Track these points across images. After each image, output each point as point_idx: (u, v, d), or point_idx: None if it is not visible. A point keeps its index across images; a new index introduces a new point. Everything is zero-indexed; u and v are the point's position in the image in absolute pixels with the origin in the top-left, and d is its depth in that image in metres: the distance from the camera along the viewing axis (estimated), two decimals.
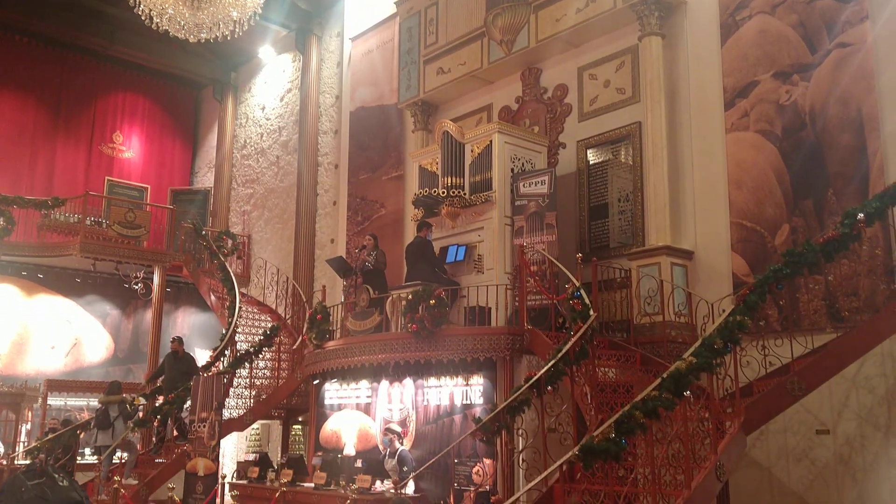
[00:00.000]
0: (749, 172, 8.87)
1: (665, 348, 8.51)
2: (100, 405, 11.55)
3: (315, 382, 10.70)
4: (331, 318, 10.59)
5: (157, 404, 11.48)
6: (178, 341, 12.24)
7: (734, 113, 9.13)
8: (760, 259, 8.50)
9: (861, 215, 6.53)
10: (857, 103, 8.07)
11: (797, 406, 7.18)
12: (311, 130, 15.80)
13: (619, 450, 5.50)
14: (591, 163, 10.59)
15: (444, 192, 10.14)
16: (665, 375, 5.98)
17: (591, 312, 7.42)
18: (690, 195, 9.41)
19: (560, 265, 8.66)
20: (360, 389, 10.04)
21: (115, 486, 8.99)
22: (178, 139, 20.12)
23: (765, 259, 8.36)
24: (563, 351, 6.91)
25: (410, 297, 8.93)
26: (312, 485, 8.64)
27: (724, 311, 6.96)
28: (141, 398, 11.62)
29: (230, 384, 11.35)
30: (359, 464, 8.86)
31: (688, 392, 6.06)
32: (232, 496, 7.49)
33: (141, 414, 11.32)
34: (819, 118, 8.37)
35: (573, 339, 6.98)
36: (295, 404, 12.76)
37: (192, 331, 17.47)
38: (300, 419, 13.54)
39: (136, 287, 15.81)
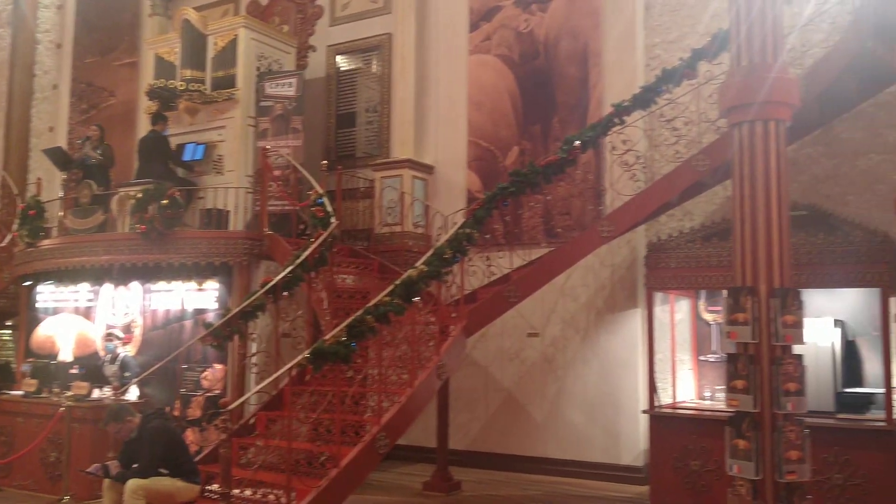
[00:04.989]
0: (488, 94, 9.34)
1: (402, 257, 8.88)
2: None
3: (27, 284, 9.75)
4: (46, 214, 9.65)
5: None
6: None
7: (478, 35, 9.48)
8: (492, 177, 9.07)
9: (577, 142, 7.15)
10: (585, 38, 8.76)
11: (513, 312, 7.88)
12: (29, 1, 13.85)
13: (349, 352, 5.68)
14: (340, 69, 10.50)
15: (182, 86, 9.53)
16: (398, 282, 6.25)
17: (333, 220, 7.48)
18: (434, 111, 9.72)
19: (304, 171, 8.58)
20: (80, 292, 9.34)
21: None
22: None
23: (496, 177, 8.92)
24: (302, 257, 6.92)
25: (140, 195, 8.38)
26: (21, 392, 7.99)
27: (455, 223, 7.37)
28: None
29: None
30: (75, 370, 8.31)
31: (418, 298, 6.39)
32: None
33: None
34: (552, 48, 8.98)
35: (313, 246, 7.01)
36: (2, 307, 11.55)
37: None
38: (9, 323, 12.33)
39: None
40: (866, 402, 6.43)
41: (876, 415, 6.22)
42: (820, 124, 7.40)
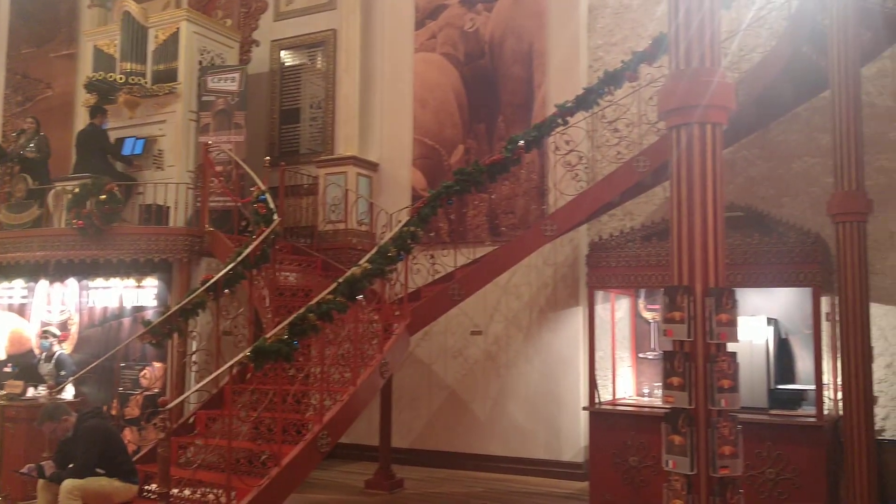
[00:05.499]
0: (433, 93, 9.34)
1: (346, 255, 8.84)
2: None
3: None
4: None
5: None
6: None
7: (424, 33, 9.49)
8: (437, 175, 9.08)
9: (522, 142, 7.20)
10: (530, 38, 8.84)
11: (457, 310, 7.92)
12: None
13: (291, 351, 5.61)
14: (284, 65, 10.39)
15: (122, 79, 9.32)
16: (341, 280, 6.20)
17: (275, 217, 7.38)
18: (379, 109, 9.69)
19: (246, 167, 8.47)
20: (14, 289, 9.06)
21: None
22: None
23: (441, 175, 8.94)
24: (244, 254, 6.82)
25: (78, 190, 8.16)
26: None
27: (400, 221, 7.36)
28: None
29: None
30: (9, 368, 8.06)
31: (361, 296, 6.36)
32: None
33: None
34: (497, 48, 9.03)
35: (255, 243, 6.90)
36: None
37: None
38: None
39: None
40: (798, 398, 6.62)
41: (807, 411, 6.41)
42: (757, 127, 7.61)
